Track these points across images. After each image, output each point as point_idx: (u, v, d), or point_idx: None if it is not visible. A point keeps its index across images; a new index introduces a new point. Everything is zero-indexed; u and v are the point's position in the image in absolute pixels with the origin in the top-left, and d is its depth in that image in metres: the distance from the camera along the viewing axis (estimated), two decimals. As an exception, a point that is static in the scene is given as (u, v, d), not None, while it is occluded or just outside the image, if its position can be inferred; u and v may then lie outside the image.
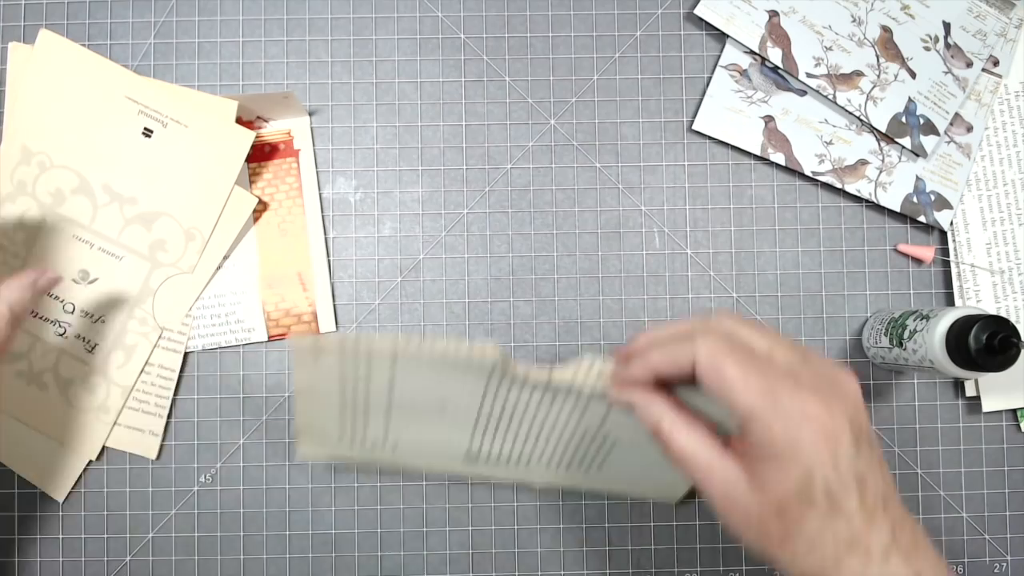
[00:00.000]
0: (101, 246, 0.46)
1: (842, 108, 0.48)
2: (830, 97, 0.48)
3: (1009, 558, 0.48)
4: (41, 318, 0.46)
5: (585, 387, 0.37)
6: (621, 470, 0.43)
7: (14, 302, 0.39)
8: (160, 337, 0.46)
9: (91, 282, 0.46)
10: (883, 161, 0.49)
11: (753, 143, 0.48)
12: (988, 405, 0.48)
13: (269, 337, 0.47)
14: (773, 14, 0.48)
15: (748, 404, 0.30)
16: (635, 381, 0.34)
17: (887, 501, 0.30)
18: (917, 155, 0.49)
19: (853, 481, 0.30)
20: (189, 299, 0.47)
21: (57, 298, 0.46)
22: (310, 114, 0.48)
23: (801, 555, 0.30)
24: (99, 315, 0.46)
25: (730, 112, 0.49)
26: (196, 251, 0.46)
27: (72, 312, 0.46)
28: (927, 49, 0.49)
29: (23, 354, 0.46)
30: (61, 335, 0.46)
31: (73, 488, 0.47)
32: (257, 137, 0.47)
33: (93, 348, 0.46)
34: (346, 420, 0.42)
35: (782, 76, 0.49)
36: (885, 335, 0.45)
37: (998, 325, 0.39)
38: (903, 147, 0.49)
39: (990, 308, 0.48)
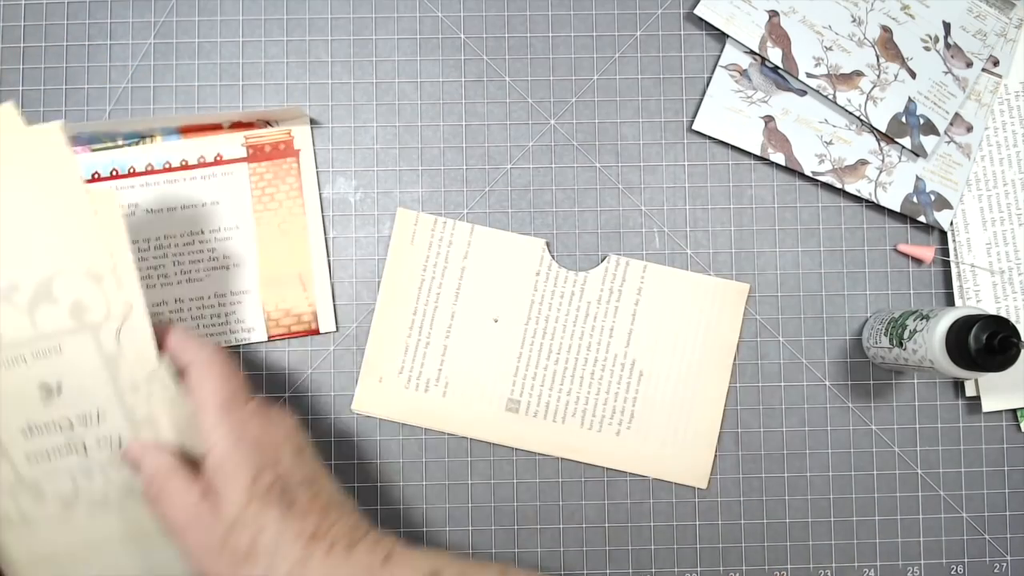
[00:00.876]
0: (30, 351, 0.38)
1: (842, 108, 0.48)
2: (830, 97, 0.48)
3: (1009, 558, 0.48)
4: (70, 477, 0.38)
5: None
6: (649, 422, 0.47)
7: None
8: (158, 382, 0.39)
9: (60, 393, 0.38)
10: (883, 161, 0.49)
11: (753, 143, 0.48)
12: (988, 405, 0.48)
13: (269, 337, 0.47)
14: (773, 14, 0.48)
15: (204, 429, 0.36)
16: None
17: (345, 502, 0.36)
18: (917, 155, 0.49)
19: (302, 478, 0.35)
20: (146, 331, 0.38)
21: (62, 448, 0.38)
22: (312, 122, 0.48)
23: (270, 560, 0.32)
24: (95, 416, 0.39)
25: (730, 112, 0.48)
26: (115, 285, 0.38)
27: (84, 450, 0.38)
28: (927, 49, 0.49)
29: (71, 501, 0.38)
30: (98, 476, 0.39)
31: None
32: (257, 138, 0.47)
33: (120, 442, 0.39)
34: (410, 344, 0.47)
35: (782, 76, 0.49)
36: (885, 335, 0.45)
37: (998, 325, 0.39)
38: (903, 147, 0.49)
39: (990, 308, 0.48)
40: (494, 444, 0.47)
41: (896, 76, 0.49)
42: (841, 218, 0.49)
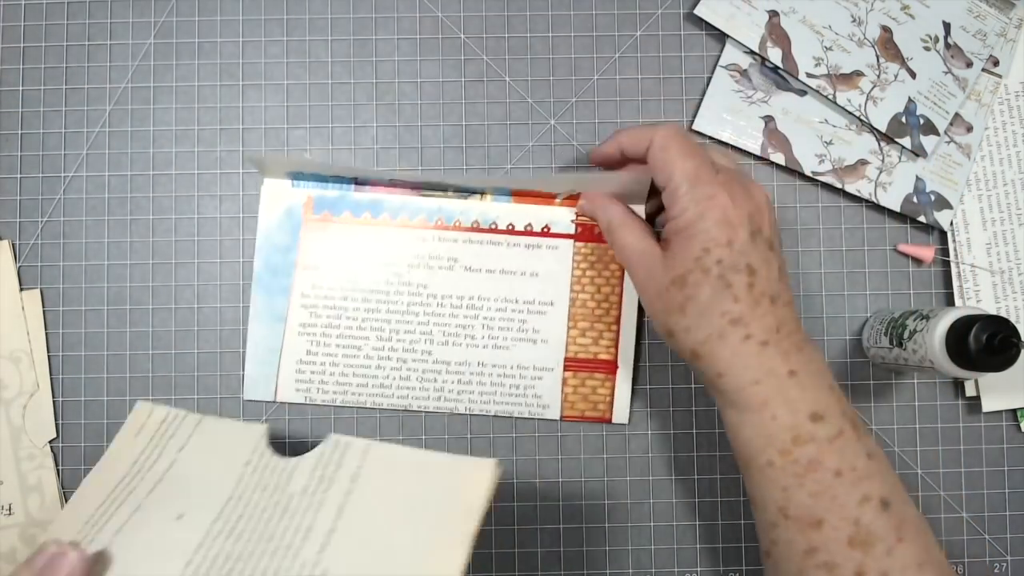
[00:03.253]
0: None
1: (842, 108, 0.48)
2: (830, 97, 0.48)
3: (1009, 558, 0.48)
4: None
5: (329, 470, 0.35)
6: None
7: None
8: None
9: None
10: (883, 161, 0.49)
11: (753, 143, 0.48)
12: (988, 405, 0.48)
13: (562, 417, 0.47)
14: (773, 14, 0.48)
15: (676, 182, 0.37)
16: (604, 154, 0.43)
17: (776, 301, 0.36)
18: (917, 155, 0.49)
19: (744, 265, 0.36)
20: (48, 405, 0.47)
21: None
22: None
23: (694, 322, 0.36)
24: None
25: (730, 112, 0.49)
26: (29, 366, 0.47)
27: None
28: (927, 49, 0.49)
29: None
30: None
31: (73, 489, 0.47)
32: (588, 217, 0.46)
33: (10, 509, 0.46)
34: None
35: (782, 76, 0.49)
36: (885, 335, 0.45)
37: (998, 325, 0.39)
38: (903, 147, 0.49)
39: (990, 308, 0.48)
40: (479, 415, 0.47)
41: (896, 76, 0.49)
42: (841, 218, 0.49)
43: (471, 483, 0.33)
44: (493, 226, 0.46)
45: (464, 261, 0.47)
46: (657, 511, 0.48)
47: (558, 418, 0.47)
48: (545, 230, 0.46)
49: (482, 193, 0.47)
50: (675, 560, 0.47)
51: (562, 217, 0.47)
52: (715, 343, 0.36)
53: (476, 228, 0.46)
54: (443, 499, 0.33)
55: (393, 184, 0.47)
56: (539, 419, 0.47)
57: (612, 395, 0.47)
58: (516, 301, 0.47)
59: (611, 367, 0.47)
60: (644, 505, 0.48)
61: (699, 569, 0.47)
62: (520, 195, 0.47)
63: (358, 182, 0.47)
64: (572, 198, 0.47)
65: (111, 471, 0.39)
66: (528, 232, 0.46)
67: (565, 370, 0.47)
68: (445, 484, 0.34)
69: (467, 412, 0.47)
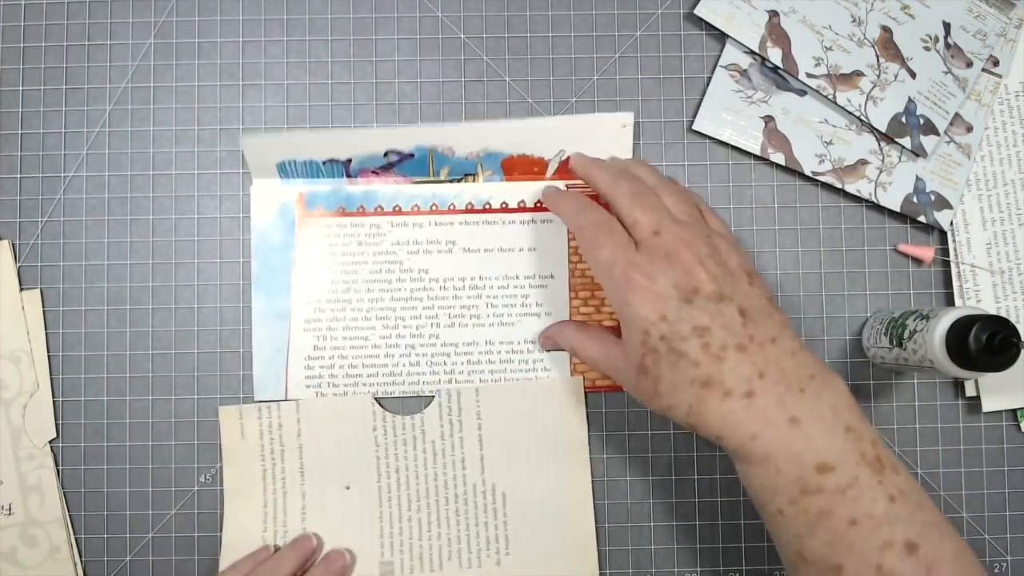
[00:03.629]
0: None
1: (842, 108, 0.48)
2: (830, 97, 0.48)
3: (1009, 558, 0.48)
4: None
5: None
6: (526, 540, 0.46)
7: None
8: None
9: None
10: (883, 161, 0.49)
11: (753, 143, 0.48)
12: (988, 405, 0.48)
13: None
14: (773, 14, 0.48)
15: (598, 274, 0.38)
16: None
17: (745, 348, 0.34)
18: (917, 155, 0.49)
19: (690, 330, 0.35)
20: (48, 405, 0.47)
21: None
22: None
23: (672, 399, 0.35)
24: None
25: (730, 112, 0.48)
26: (29, 366, 0.47)
27: None
28: (927, 49, 0.49)
29: None
30: None
31: (74, 489, 0.47)
32: (580, 188, 0.47)
33: (10, 509, 0.46)
34: (268, 539, 0.46)
35: (782, 76, 0.49)
36: (885, 335, 0.45)
37: (998, 325, 0.39)
38: (903, 147, 0.49)
39: (990, 308, 0.48)
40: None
41: (896, 76, 0.49)
42: (841, 218, 0.49)
43: (568, 399, 0.46)
44: (487, 206, 0.47)
45: (462, 243, 0.47)
46: (657, 511, 0.48)
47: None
48: (538, 205, 0.47)
49: (475, 176, 0.47)
50: (675, 560, 0.47)
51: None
52: (699, 410, 0.35)
53: (471, 210, 0.47)
54: (554, 414, 0.46)
55: (388, 166, 0.47)
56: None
57: None
58: (517, 277, 0.47)
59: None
60: (644, 505, 0.48)
61: (699, 569, 0.47)
62: (511, 171, 0.47)
63: (349, 172, 0.47)
64: (565, 173, 0.47)
65: (241, 475, 0.46)
66: (522, 208, 0.46)
67: None
68: (551, 402, 0.46)
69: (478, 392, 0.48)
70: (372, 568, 0.45)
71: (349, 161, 0.47)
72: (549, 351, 0.47)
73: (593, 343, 0.41)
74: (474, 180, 0.47)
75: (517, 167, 0.47)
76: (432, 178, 0.47)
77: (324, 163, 0.47)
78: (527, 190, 0.47)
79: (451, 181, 0.47)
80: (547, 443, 0.46)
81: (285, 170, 0.47)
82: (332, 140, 0.46)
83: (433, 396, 0.47)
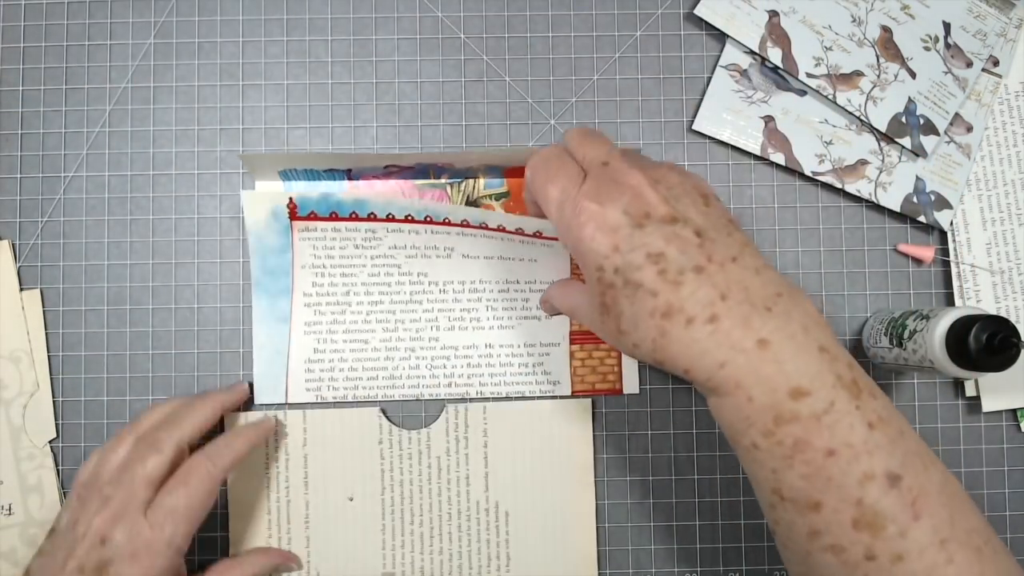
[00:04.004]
0: None
1: (842, 108, 0.48)
2: (830, 97, 0.48)
3: (1009, 558, 0.48)
4: None
5: None
6: (526, 557, 0.46)
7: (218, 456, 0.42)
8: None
9: None
10: (883, 161, 0.49)
11: (753, 143, 0.48)
12: (988, 405, 0.48)
13: (572, 392, 0.47)
14: (773, 14, 0.48)
15: (550, 214, 0.35)
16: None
17: (703, 270, 0.32)
18: (917, 155, 0.49)
19: (643, 258, 0.32)
20: (48, 405, 0.47)
21: None
22: None
23: (636, 335, 0.33)
24: None
25: (730, 112, 0.48)
26: (29, 366, 0.47)
27: None
28: (927, 49, 0.49)
29: None
30: None
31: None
32: None
33: (9, 509, 0.46)
34: (272, 543, 0.46)
35: (782, 76, 0.49)
36: (885, 335, 0.45)
37: (998, 325, 0.39)
38: (903, 147, 0.49)
39: (990, 308, 0.48)
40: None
41: (896, 76, 0.49)
42: (841, 218, 0.49)
43: (576, 420, 0.46)
44: (483, 225, 0.46)
45: (461, 249, 0.47)
46: (657, 511, 0.48)
47: (569, 394, 0.47)
48: (537, 235, 0.45)
49: (475, 177, 0.47)
50: (675, 560, 0.47)
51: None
52: (663, 343, 0.32)
53: (466, 224, 0.46)
54: (560, 436, 0.46)
55: (389, 173, 0.47)
56: (551, 397, 0.47)
57: (619, 366, 0.48)
58: (517, 282, 0.47)
59: None
60: (644, 505, 0.48)
61: (699, 569, 0.47)
62: (512, 175, 0.47)
63: (351, 176, 0.47)
64: None
65: (247, 480, 0.46)
66: (519, 233, 0.45)
67: (571, 343, 0.47)
68: (558, 423, 0.46)
69: (479, 396, 0.47)
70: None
71: (350, 170, 0.47)
72: (551, 316, 0.47)
73: (564, 294, 0.41)
74: (475, 183, 0.47)
75: (518, 173, 0.47)
76: (433, 179, 0.47)
77: (325, 171, 0.47)
78: (526, 221, 0.44)
79: (453, 180, 0.47)
80: (552, 464, 0.46)
81: (287, 175, 0.47)
82: (333, 160, 0.46)
83: (434, 401, 0.47)
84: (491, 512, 0.46)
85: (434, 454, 0.46)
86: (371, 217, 0.46)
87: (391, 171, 0.47)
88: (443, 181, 0.47)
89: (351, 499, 0.46)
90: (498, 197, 0.48)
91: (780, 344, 0.31)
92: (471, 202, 0.48)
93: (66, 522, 0.40)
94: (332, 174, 0.47)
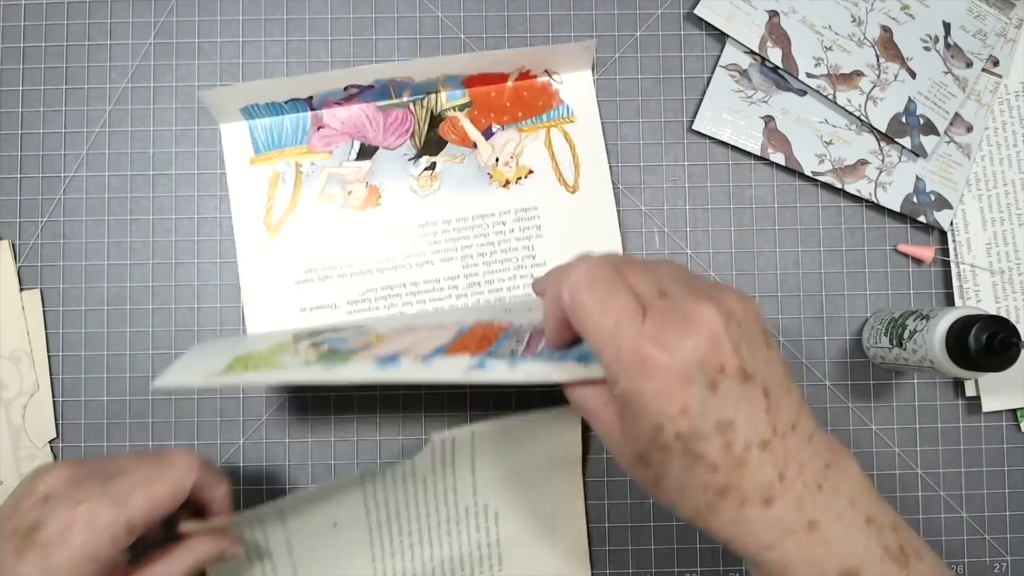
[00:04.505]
0: None
1: (842, 108, 0.48)
2: (830, 97, 0.48)
3: (1009, 558, 0.48)
4: None
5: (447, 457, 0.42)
6: (518, 555, 0.46)
7: (201, 555, 0.38)
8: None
9: None
10: (883, 161, 0.49)
11: (753, 143, 0.48)
12: (988, 405, 0.48)
13: None
14: (773, 14, 0.48)
15: (598, 347, 0.30)
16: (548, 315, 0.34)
17: (767, 445, 0.29)
18: (917, 155, 0.49)
19: (712, 428, 0.28)
20: (48, 405, 0.47)
21: None
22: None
23: (676, 498, 0.30)
24: None
25: (730, 112, 0.48)
26: (29, 366, 0.47)
27: None
28: (927, 49, 0.49)
29: None
30: None
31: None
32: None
33: None
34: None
35: (782, 76, 0.49)
36: (885, 335, 0.45)
37: (998, 325, 0.39)
38: (903, 147, 0.49)
39: (990, 308, 0.48)
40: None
41: (896, 76, 0.49)
42: (841, 218, 0.49)
43: (566, 433, 0.44)
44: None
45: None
46: (657, 511, 0.48)
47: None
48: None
49: (436, 91, 0.47)
50: (675, 560, 0.47)
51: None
52: (708, 517, 0.30)
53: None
54: (550, 444, 0.44)
55: (350, 96, 0.47)
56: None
57: None
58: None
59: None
60: (644, 505, 0.48)
61: (699, 569, 0.47)
62: (472, 85, 0.47)
63: (313, 106, 0.47)
64: (523, 77, 0.47)
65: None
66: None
67: None
68: (548, 433, 0.44)
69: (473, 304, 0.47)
70: None
71: (311, 98, 0.47)
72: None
73: (585, 391, 0.33)
74: (436, 95, 0.47)
75: (478, 82, 0.47)
76: (395, 100, 0.47)
77: (287, 102, 0.46)
78: (553, 373, 0.34)
79: (415, 98, 0.47)
80: (542, 469, 0.45)
81: (249, 113, 0.47)
82: (291, 86, 0.46)
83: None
84: (480, 515, 0.45)
85: (419, 476, 0.43)
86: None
87: (352, 93, 0.46)
88: (405, 100, 0.47)
89: (335, 525, 0.43)
90: (461, 108, 0.48)
91: (829, 524, 0.29)
92: (435, 116, 0.47)
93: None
94: (294, 105, 0.47)
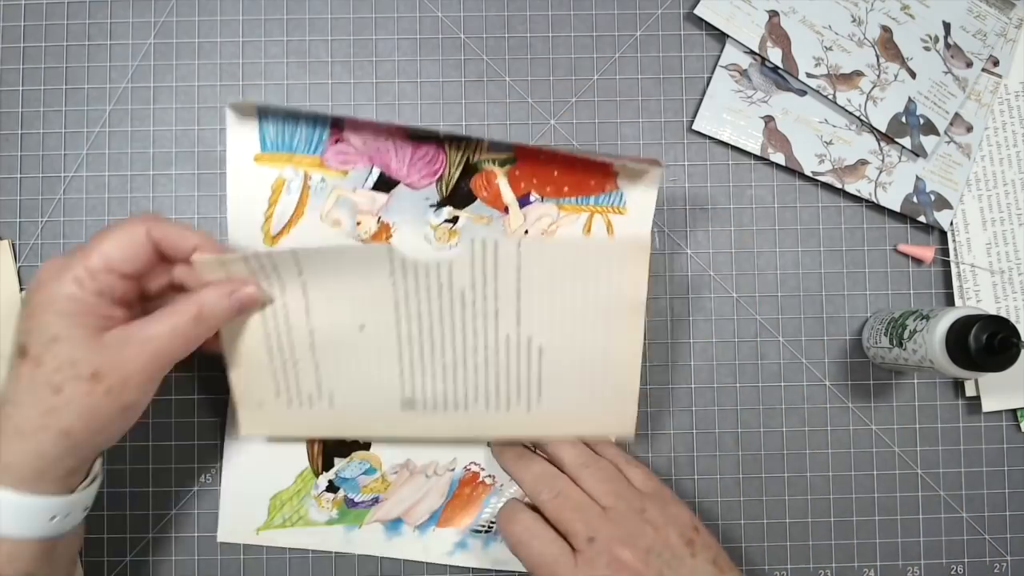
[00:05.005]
0: None
1: (842, 108, 0.48)
2: (830, 97, 0.48)
3: (1009, 558, 0.48)
4: None
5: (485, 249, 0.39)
6: (560, 392, 0.42)
7: (207, 303, 0.37)
8: None
9: None
10: (883, 161, 0.49)
11: (753, 143, 0.48)
12: (988, 405, 0.48)
13: None
14: (773, 14, 0.48)
15: None
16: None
17: None
18: (917, 155, 0.49)
19: None
20: None
21: None
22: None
23: None
24: None
25: (730, 112, 0.49)
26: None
27: None
28: (927, 49, 0.49)
29: None
30: None
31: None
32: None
33: None
34: (276, 368, 0.42)
35: (782, 76, 0.49)
36: (885, 335, 0.45)
37: (998, 325, 0.39)
38: (903, 147, 0.49)
39: (990, 308, 0.48)
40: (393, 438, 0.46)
41: (896, 76, 0.49)
42: (841, 218, 0.49)
43: (631, 270, 0.40)
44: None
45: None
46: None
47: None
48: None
49: (478, 145, 0.43)
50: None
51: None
52: None
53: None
54: (610, 278, 0.40)
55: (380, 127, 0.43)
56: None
57: None
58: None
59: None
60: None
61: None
62: (523, 155, 0.43)
63: (336, 125, 0.43)
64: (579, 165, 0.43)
65: (246, 342, 0.41)
66: None
67: None
68: (607, 265, 0.40)
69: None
70: (393, 403, 0.42)
71: (335, 121, 0.43)
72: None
73: (527, 536, 0.39)
74: (478, 142, 0.43)
75: (528, 153, 0.44)
76: (429, 131, 0.43)
77: (306, 119, 0.43)
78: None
79: (450, 141, 0.43)
80: (598, 303, 0.40)
81: (263, 110, 0.43)
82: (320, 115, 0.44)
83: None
84: (523, 347, 0.41)
85: (457, 288, 0.40)
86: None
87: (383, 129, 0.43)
88: (441, 135, 0.42)
89: (362, 327, 0.40)
90: (502, 163, 0.43)
91: None
92: (470, 164, 0.43)
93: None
94: (314, 123, 0.43)
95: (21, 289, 0.47)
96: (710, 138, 0.49)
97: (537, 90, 0.49)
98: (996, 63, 0.50)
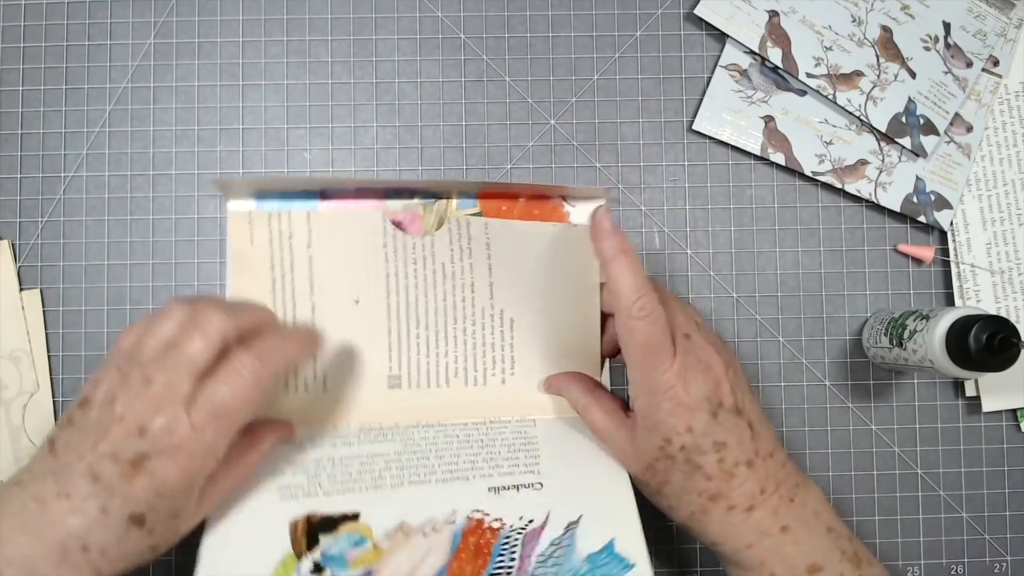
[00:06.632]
0: None
1: (842, 108, 0.48)
2: (830, 97, 0.48)
3: (1009, 558, 0.48)
4: None
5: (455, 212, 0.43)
6: (531, 361, 0.46)
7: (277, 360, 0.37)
8: None
9: None
10: (883, 161, 0.49)
11: (753, 143, 0.48)
12: (988, 405, 0.48)
13: None
14: (773, 14, 0.48)
15: (632, 363, 0.37)
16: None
17: (752, 464, 0.37)
18: (917, 155, 0.49)
19: (710, 444, 0.36)
20: (48, 405, 0.47)
21: None
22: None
23: (675, 502, 0.38)
24: None
25: (730, 112, 0.49)
26: (29, 366, 0.47)
27: None
28: (927, 49, 0.49)
29: None
30: None
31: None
32: None
33: None
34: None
35: (782, 76, 0.49)
36: (885, 335, 0.45)
37: (998, 325, 0.39)
38: (903, 147, 0.49)
39: (990, 308, 0.48)
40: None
41: (896, 76, 0.49)
42: (841, 218, 0.49)
43: (583, 247, 0.42)
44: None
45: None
46: (657, 511, 0.48)
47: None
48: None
49: (448, 197, 0.45)
50: (676, 560, 0.47)
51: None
52: (700, 518, 0.37)
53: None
54: (565, 259, 0.44)
55: (360, 194, 0.45)
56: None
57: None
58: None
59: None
60: (644, 506, 0.48)
61: (700, 569, 0.47)
62: (485, 196, 0.45)
63: (324, 195, 0.44)
64: (536, 196, 0.45)
65: (253, 284, 0.44)
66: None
67: None
68: (562, 248, 0.44)
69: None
70: (380, 381, 0.45)
71: (322, 192, 0.45)
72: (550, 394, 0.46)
73: (600, 413, 0.41)
74: (447, 203, 0.45)
75: (490, 195, 0.45)
76: (405, 199, 0.45)
77: (298, 193, 0.44)
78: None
79: (424, 203, 0.45)
80: (557, 281, 0.45)
81: (261, 196, 0.44)
82: (305, 183, 0.44)
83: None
84: (496, 318, 0.45)
85: (438, 260, 0.45)
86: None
87: (363, 193, 0.45)
88: (416, 201, 0.45)
89: (357, 301, 0.45)
90: (472, 216, 0.46)
91: (798, 529, 0.37)
92: (443, 221, 0.46)
93: (103, 396, 0.34)
94: (306, 193, 0.44)
95: (21, 289, 0.47)
96: (710, 138, 0.49)
97: (537, 90, 0.49)
98: (996, 63, 0.50)
